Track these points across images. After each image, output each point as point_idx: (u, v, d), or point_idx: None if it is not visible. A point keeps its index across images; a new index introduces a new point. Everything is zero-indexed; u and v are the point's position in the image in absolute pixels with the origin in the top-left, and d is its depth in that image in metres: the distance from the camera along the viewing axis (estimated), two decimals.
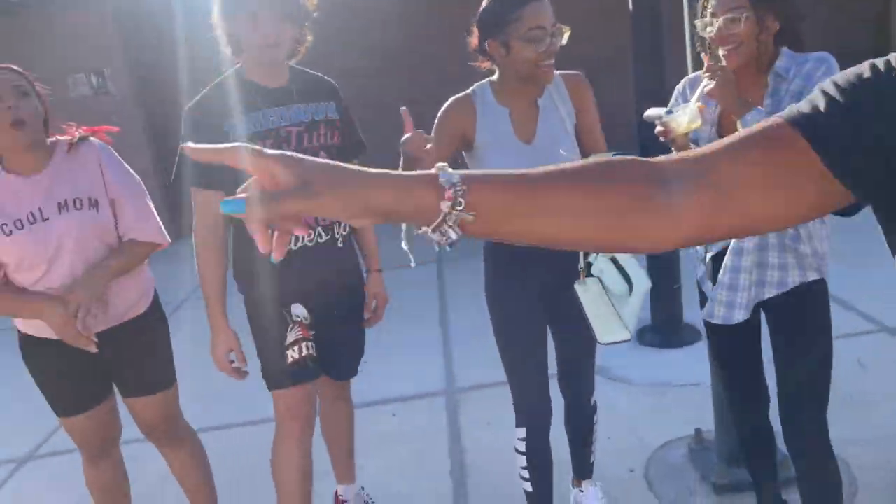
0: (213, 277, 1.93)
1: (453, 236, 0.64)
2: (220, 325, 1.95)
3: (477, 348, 3.74)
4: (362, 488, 2.52)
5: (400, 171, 0.66)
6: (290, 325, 1.99)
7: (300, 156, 0.63)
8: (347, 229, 2.06)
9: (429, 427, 3.06)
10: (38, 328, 1.93)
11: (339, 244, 2.04)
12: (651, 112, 1.87)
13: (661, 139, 1.74)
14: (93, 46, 7.21)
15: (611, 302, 1.77)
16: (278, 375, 2.00)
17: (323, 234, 1.98)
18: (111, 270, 1.90)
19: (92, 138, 1.98)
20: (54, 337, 1.89)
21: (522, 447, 2.06)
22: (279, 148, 1.72)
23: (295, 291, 1.99)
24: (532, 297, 2.01)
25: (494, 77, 1.93)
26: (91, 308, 1.83)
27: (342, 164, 0.65)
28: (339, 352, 2.19)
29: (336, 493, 2.50)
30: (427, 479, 2.67)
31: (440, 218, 0.63)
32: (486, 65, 1.92)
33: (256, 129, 1.83)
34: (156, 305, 2.11)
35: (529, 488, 2.10)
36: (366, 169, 0.65)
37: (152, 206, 2.05)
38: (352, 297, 2.17)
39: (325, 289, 2.03)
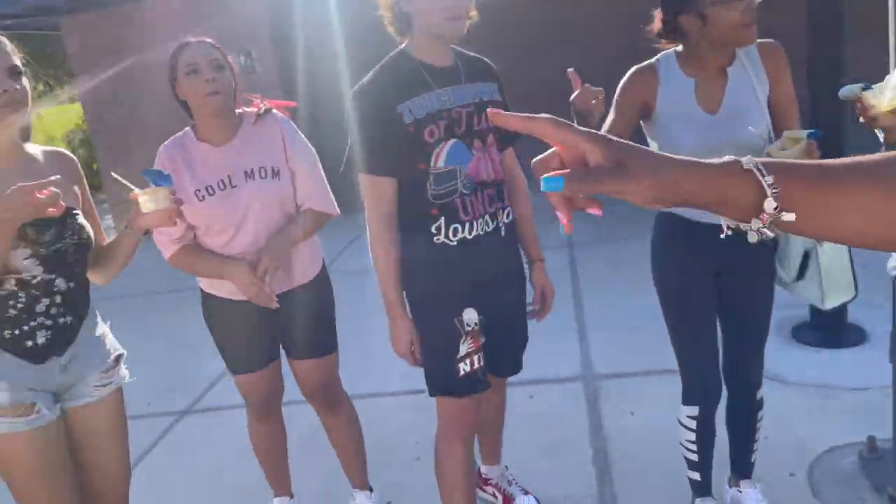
0: (390, 269, 1.85)
1: (770, 234, 0.62)
2: (401, 316, 1.88)
3: (614, 337, 3.66)
4: (506, 467, 2.53)
5: (699, 160, 0.63)
6: (463, 337, 1.87)
7: (608, 135, 0.62)
8: (510, 217, 1.95)
9: (567, 412, 3.01)
10: (220, 289, 2.06)
11: (503, 233, 1.93)
12: (846, 90, 1.72)
13: (861, 119, 1.60)
14: (241, 26, 7.59)
15: (849, 256, 1.77)
16: (446, 383, 1.92)
17: (490, 221, 1.88)
18: (293, 237, 1.99)
19: (275, 111, 2.07)
20: (235, 298, 2.01)
21: (692, 424, 2.03)
22: (451, 130, 1.76)
23: (463, 289, 1.88)
24: (708, 275, 1.94)
25: (679, 47, 1.86)
26: (277, 272, 1.91)
27: (642, 146, 0.64)
28: (505, 348, 2.08)
29: (479, 471, 2.51)
30: (567, 464, 2.64)
31: (764, 216, 0.61)
32: (672, 45, 1.86)
33: (429, 111, 1.76)
34: (324, 271, 2.20)
35: (695, 458, 2.10)
36: (669, 155, 0.63)
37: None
38: (517, 290, 2.06)
39: (493, 282, 1.94)
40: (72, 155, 1.82)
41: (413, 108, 1.77)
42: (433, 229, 1.82)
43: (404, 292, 1.91)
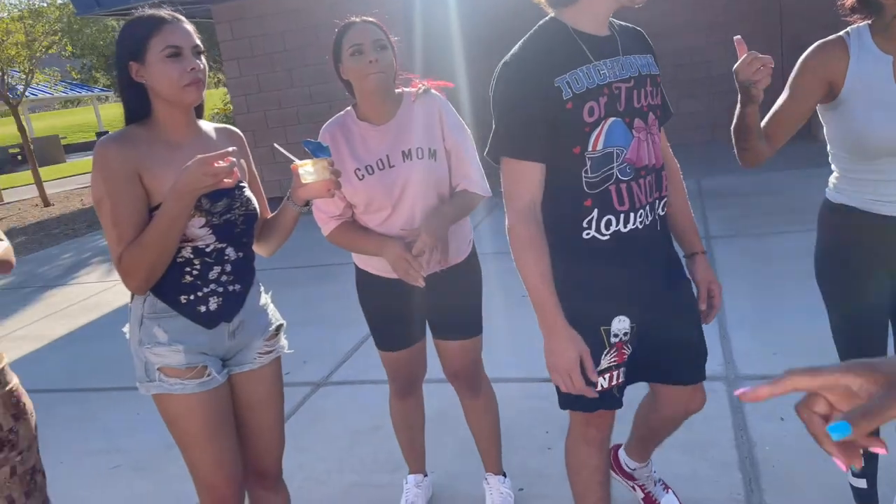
0: (544, 272, 1.59)
1: None
2: (564, 326, 1.59)
3: (759, 337, 3.45)
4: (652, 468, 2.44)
5: None
6: (607, 349, 1.68)
7: (864, 361, 0.60)
8: (665, 208, 1.76)
9: (708, 412, 2.86)
10: (374, 266, 2.11)
11: (659, 226, 1.73)
12: None
13: None
14: (376, 16, 7.75)
15: None
16: (577, 398, 1.71)
17: (648, 213, 1.68)
18: (450, 217, 1.99)
19: (433, 90, 2.07)
20: (388, 275, 2.06)
21: None
22: (611, 108, 1.60)
23: (614, 292, 1.67)
24: (887, 276, 1.77)
25: (872, 21, 1.67)
26: (434, 251, 1.93)
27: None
28: (680, 357, 1.82)
29: (621, 462, 2.44)
30: (711, 467, 2.51)
31: None
32: (863, 20, 1.68)
33: (589, 85, 1.58)
34: (474, 253, 2.21)
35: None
36: None
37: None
38: (684, 290, 1.83)
39: (652, 284, 1.72)
40: (239, 132, 1.91)
41: (571, 83, 1.57)
42: (584, 223, 1.63)
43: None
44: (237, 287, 1.77)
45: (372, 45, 1.93)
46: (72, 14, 14.58)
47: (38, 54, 12.87)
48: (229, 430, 1.77)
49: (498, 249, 4.87)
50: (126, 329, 1.78)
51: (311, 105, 8.41)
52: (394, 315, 2.20)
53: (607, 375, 1.70)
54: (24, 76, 12.93)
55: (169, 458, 3.14)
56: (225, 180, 1.54)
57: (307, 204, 1.79)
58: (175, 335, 1.68)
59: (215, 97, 16.52)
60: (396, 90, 2.06)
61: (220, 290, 1.73)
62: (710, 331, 3.58)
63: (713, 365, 3.24)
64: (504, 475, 2.45)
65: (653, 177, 1.68)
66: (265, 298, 1.90)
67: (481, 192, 2.09)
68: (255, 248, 1.86)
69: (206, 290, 1.71)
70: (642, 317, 1.71)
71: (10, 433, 1.69)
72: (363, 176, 2.01)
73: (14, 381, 1.75)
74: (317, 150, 1.72)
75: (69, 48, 20.21)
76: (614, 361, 1.70)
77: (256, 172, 1.92)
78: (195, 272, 1.69)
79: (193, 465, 1.75)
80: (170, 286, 1.67)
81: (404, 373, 2.30)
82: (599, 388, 1.69)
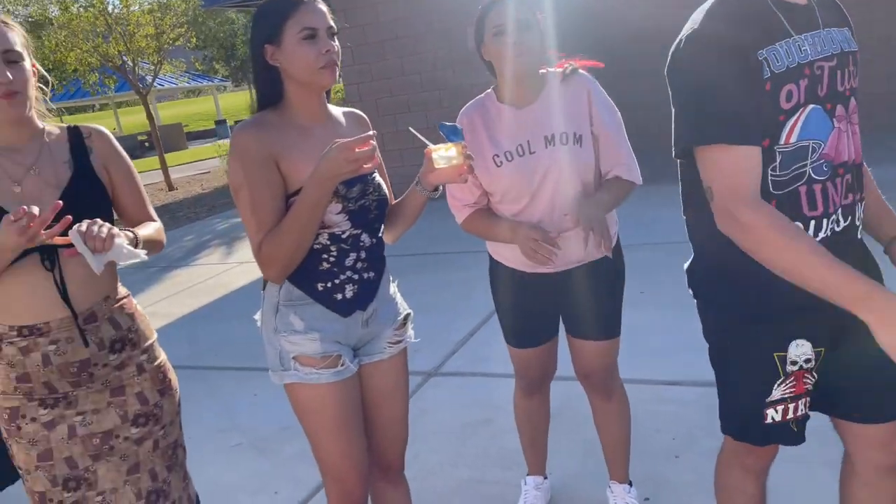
0: (811, 247, 1.26)
1: None
2: (883, 293, 1.20)
3: None
4: None
5: None
6: (781, 378, 1.46)
7: None
8: (863, 213, 1.49)
9: None
10: (509, 257, 2.04)
11: (858, 233, 1.47)
12: None
13: None
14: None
15: None
16: (744, 428, 1.55)
17: (842, 218, 1.42)
18: (605, 205, 1.87)
19: (581, 71, 1.95)
20: (523, 268, 2.00)
21: None
22: (812, 92, 1.32)
23: (794, 312, 1.40)
24: None
25: None
26: (600, 232, 1.78)
27: None
28: (870, 385, 1.47)
29: None
30: None
31: None
32: None
33: (790, 64, 1.34)
34: (619, 248, 2.08)
35: None
36: None
37: None
38: None
39: None
40: (365, 116, 1.86)
41: (771, 60, 1.32)
42: None
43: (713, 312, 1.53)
44: (371, 274, 1.72)
45: (517, 25, 1.83)
46: (197, 7, 15.30)
47: (165, 46, 13.60)
48: (359, 421, 1.73)
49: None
50: (258, 316, 1.78)
51: (423, 93, 8.42)
52: (527, 311, 2.11)
53: (780, 408, 1.48)
54: (152, 67, 13.70)
55: (285, 438, 3.20)
56: (365, 166, 1.49)
57: (436, 189, 1.71)
58: (311, 323, 1.66)
59: None
60: (541, 70, 1.95)
61: (356, 277, 1.69)
62: None
63: None
64: (630, 483, 2.32)
65: (851, 175, 1.43)
66: (393, 287, 1.85)
67: (636, 180, 1.96)
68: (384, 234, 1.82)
69: (342, 277, 1.67)
70: (834, 342, 1.46)
71: (156, 407, 1.74)
72: (502, 163, 1.92)
73: (162, 356, 1.81)
74: (451, 134, 1.64)
75: (193, 40, 21.27)
76: (791, 392, 1.47)
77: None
78: (332, 259, 1.66)
79: (323, 455, 1.72)
80: (306, 273, 1.64)
81: (534, 371, 2.21)
82: (770, 420, 1.49)
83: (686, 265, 1.61)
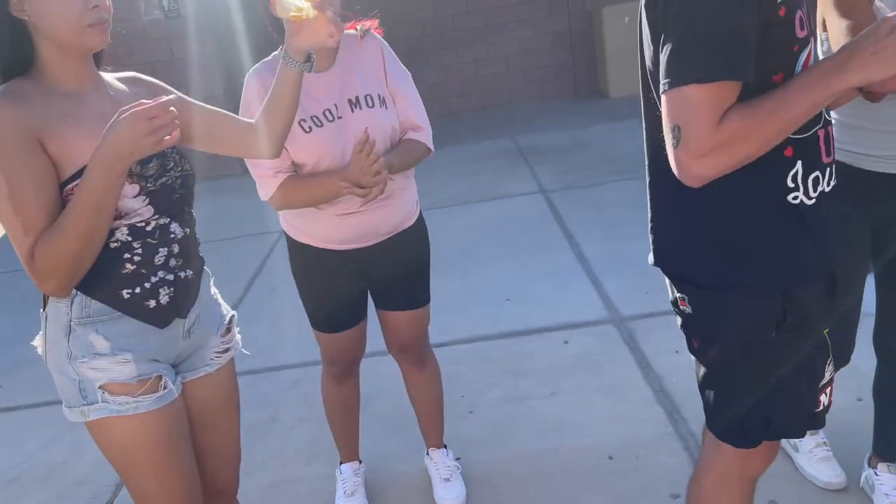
0: (775, 96, 1.07)
1: None
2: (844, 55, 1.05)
3: (626, 279, 3.65)
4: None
5: None
6: (829, 357, 1.31)
7: None
8: None
9: (608, 355, 2.98)
10: (317, 237, 1.87)
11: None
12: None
13: None
14: None
15: None
16: (795, 421, 1.33)
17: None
18: (395, 166, 1.78)
19: (373, 31, 1.84)
20: (332, 247, 1.87)
21: None
22: (811, 21, 1.22)
23: (829, 278, 1.29)
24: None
25: None
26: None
27: None
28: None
29: None
30: (632, 406, 2.61)
31: None
32: None
33: None
34: (421, 217, 2.02)
35: None
36: None
37: None
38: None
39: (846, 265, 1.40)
40: (149, 78, 1.53)
41: None
42: (789, 181, 1.18)
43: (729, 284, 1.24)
44: (189, 272, 1.44)
45: None
46: None
47: None
48: (190, 450, 1.46)
49: None
50: (38, 342, 1.38)
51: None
52: (338, 292, 1.97)
53: (828, 389, 1.33)
54: None
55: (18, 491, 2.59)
56: (165, 139, 1.21)
57: (309, 60, 1.43)
58: (119, 341, 1.33)
59: None
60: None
61: (171, 277, 1.39)
62: (582, 279, 3.74)
63: (596, 310, 3.39)
64: (445, 447, 2.34)
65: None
66: (213, 287, 1.58)
67: (430, 147, 1.91)
68: (252, 147, 1.53)
69: (153, 279, 1.36)
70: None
71: None
72: (310, 128, 1.74)
73: None
74: None
75: None
76: (831, 369, 1.32)
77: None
78: (137, 258, 1.34)
79: (149, 497, 1.42)
80: (106, 280, 1.31)
81: (346, 356, 2.09)
82: (821, 406, 1.33)
83: (654, 257, 1.38)
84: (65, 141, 1.25)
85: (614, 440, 2.42)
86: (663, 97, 1.10)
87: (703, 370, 1.35)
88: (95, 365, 1.31)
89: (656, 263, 1.38)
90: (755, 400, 1.28)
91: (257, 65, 1.82)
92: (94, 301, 1.31)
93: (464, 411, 2.73)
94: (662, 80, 1.09)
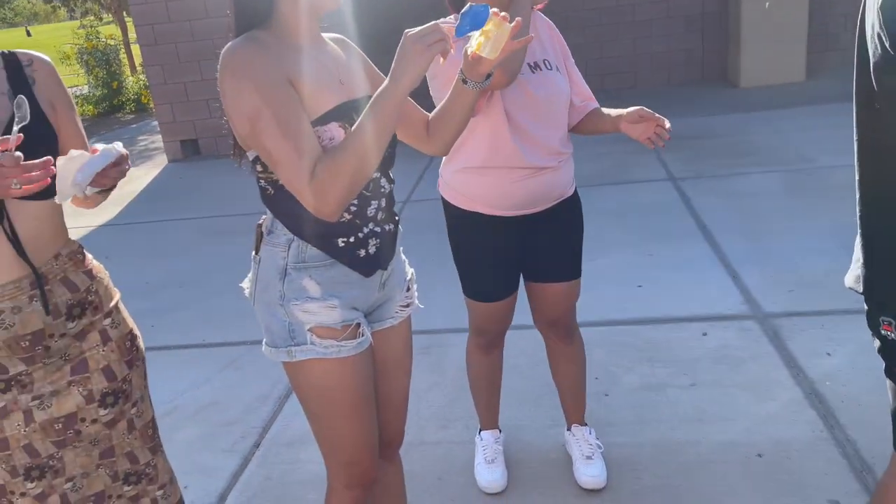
0: None
1: None
2: None
3: (768, 274, 3.49)
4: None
5: None
6: None
7: None
8: None
9: (750, 350, 2.87)
10: (483, 203, 1.90)
11: None
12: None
13: None
14: None
15: None
16: None
17: None
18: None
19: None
20: (497, 213, 1.89)
21: None
22: None
23: None
24: None
25: None
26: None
27: None
28: None
29: None
30: (780, 405, 2.51)
31: None
32: None
33: None
34: (576, 191, 2.02)
35: None
36: None
37: None
38: None
39: None
40: (349, 41, 1.57)
41: None
42: None
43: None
44: (391, 226, 1.49)
45: None
46: None
47: None
48: (373, 397, 1.51)
49: None
50: (246, 284, 1.46)
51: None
52: (496, 262, 2.00)
53: None
54: None
55: (174, 423, 2.78)
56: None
57: (489, 76, 1.41)
58: (329, 287, 1.39)
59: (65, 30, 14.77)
60: None
61: (378, 229, 1.44)
62: (718, 271, 3.61)
63: (736, 304, 3.27)
64: (587, 426, 2.33)
65: None
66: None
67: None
68: (426, 146, 1.56)
69: (365, 230, 1.41)
70: None
71: (125, 382, 1.45)
72: None
73: (129, 320, 1.48)
74: (475, 19, 1.29)
75: None
76: None
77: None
78: (353, 208, 1.39)
79: (336, 438, 1.48)
80: (324, 227, 1.36)
81: (496, 326, 2.11)
82: None
83: (859, 276, 1.29)
84: (311, 87, 1.31)
85: (763, 438, 2.34)
86: None
87: None
88: (307, 308, 1.37)
89: (864, 291, 1.28)
90: None
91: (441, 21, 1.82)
92: (310, 247, 1.37)
93: (599, 393, 2.70)
94: None
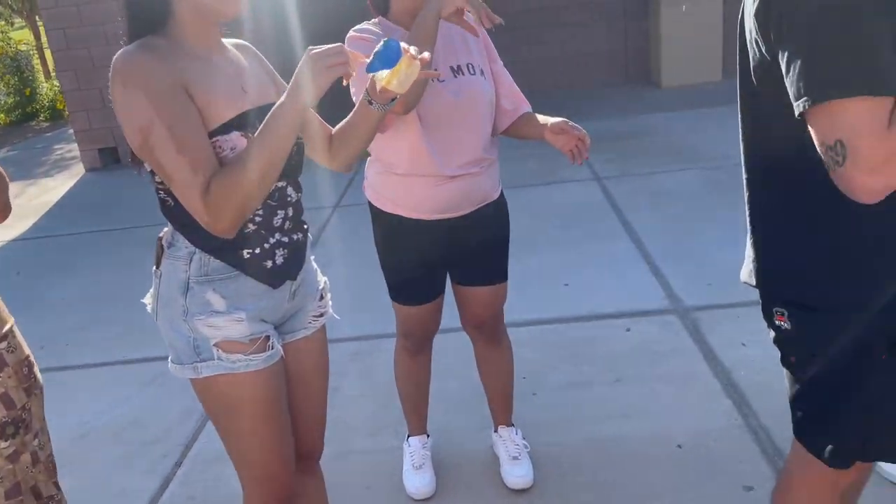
0: None
1: None
2: None
3: (687, 270, 3.60)
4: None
5: None
6: None
7: None
8: None
9: (671, 344, 2.95)
10: (405, 207, 1.88)
11: None
12: None
13: None
14: None
15: None
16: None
17: None
18: None
19: None
20: (425, 217, 1.87)
21: None
22: None
23: None
24: None
25: None
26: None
27: None
28: None
29: None
30: (699, 396, 2.58)
31: None
32: None
33: None
34: (502, 194, 2.03)
35: None
36: None
37: None
38: None
39: None
40: (252, 47, 1.54)
41: None
42: None
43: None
44: (299, 235, 1.46)
45: None
46: None
47: None
48: (287, 410, 1.48)
49: None
50: (148, 300, 1.41)
51: None
52: (421, 265, 1.98)
53: None
54: None
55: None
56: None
57: (394, 99, 1.40)
58: (235, 300, 1.35)
59: None
60: None
61: (286, 239, 1.41)
62: (641, 267, 3.70)
63: (658, 299, 3.35)
64: (514, 426, 2.34)
65: None
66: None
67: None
68: (325, 159, 1.54)
69: (272, 240, 1.38)
70: None
71: (24, 411, 1.36)
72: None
73: (27, 349, 1.40)
74: (386, 58, 1.28)
75: None
76: None
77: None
78: (258, 219, 1.36)
79: (249, 454, 1.44)
80: (229, 239, 1.32)
81: (423, 329, 2.10)
82: None
83: (752, 270, 1.33)
84: (208, 96, 1.27)
85: (683, 430, 2.40)
86: (810, 112, 1.03)
87: (797, 386, 1.31)
88: (212, 322, 1.33)
89: (757, 284, 1.32)
90: (854, 422, 1.24)
91: (357, 30, 1.80)
92: (213, 259, 1.33)
93: (527, 393, 2.72)
94: (803, 96, 1.02)
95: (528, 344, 3.07)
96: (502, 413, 2.31)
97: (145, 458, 2.61)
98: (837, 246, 1.17)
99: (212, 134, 1.26)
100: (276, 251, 1.39)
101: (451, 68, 1.83)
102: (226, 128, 1.27)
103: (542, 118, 1.94)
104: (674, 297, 3.35)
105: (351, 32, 1.79)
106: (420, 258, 1.97)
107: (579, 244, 4.13)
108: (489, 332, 2.16)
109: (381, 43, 1.27)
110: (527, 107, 2.01)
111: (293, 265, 1.43)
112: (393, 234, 1.96)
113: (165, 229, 1.40)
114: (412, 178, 1.86)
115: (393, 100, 1.40)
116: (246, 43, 1.52)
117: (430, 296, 2.03)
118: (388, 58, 1.27)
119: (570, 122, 1.86)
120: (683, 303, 3.28)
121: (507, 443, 2.28)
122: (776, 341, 1.30)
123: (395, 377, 2.25)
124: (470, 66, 1.85)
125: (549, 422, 2.54)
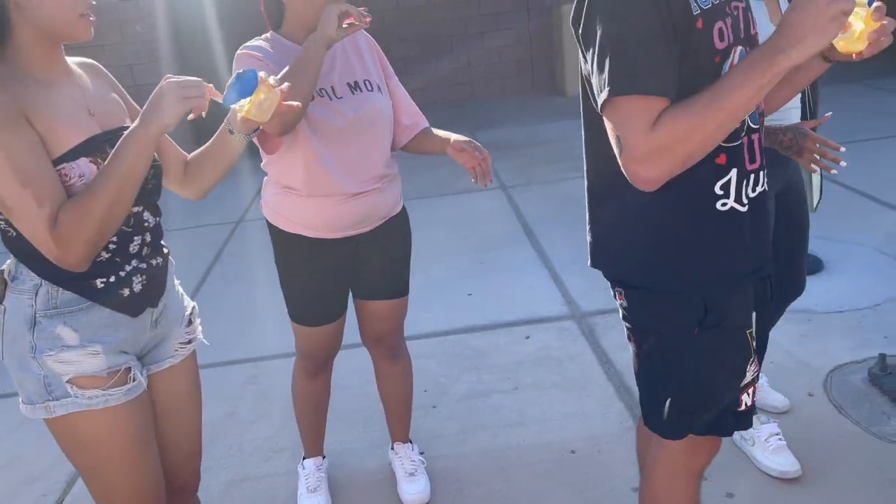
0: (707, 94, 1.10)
1: None
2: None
3: (587, 276, 3.69)
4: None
5: None
6: (752, 357, 1.32)
7: None
8: None
9: (568, 350, 3.02)
10: (305, 226, 1.85)
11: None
12: None
13: None
14: None
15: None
16: (718, 420, 1.34)
17: (762, 172, 1.30)
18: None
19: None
20: (324, 236, 1.84)
21: None
22: (737, 31, 1.20)
23: (752, 283, 1.32)
24: None
25: None
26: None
27: None
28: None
29: None
30: (593, 401, 2.65)
31: None
32: None
33: (715, 1, 1.17)
34: (404, 208, 2.03)
35: None
36: None
37: None
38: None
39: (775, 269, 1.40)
40: (101, 67, 1.48)
41: None
42: (717, 189, 1.23)
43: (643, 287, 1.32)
44: (158, 261, 1.40)
45: None
46: None
47: None
48: (155, 444, 1.42)
49: None
50: None
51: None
52: (323, 285, 1.95)
53: (750, 390, 1.35)
54: None
55: None
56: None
57: (257, 129, 1.38)
58: (88, 333, 1.28)
59: None
60: None
61: (143, 266, 1.36)
62: (542, 274, 3.77)
63: (557, 306, 3.42)
64: (411, 442, 2.33)
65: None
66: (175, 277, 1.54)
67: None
68: (182, 189, 1.51)
69: (128, 267, 1.32)
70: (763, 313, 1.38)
71: None
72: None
73: None
74: (243, 89, 1.28)
75: None
76: (755, 370, 1.35)
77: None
78: (112, 246, 1.30)
79: (114, 493, 1.38)
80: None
81: (324, 350, 2.07)
82: (744, 406, 1.36)
83: (591, 258, 1.45)
84: (51, 123, 1.21)
85: (577, 435, 2.45)
86: (603, 110, 1.16)
87: (637, 363, 1.42)
88: (63, 358, 1.26)
89: (592, 264, 1.44)
90: (678, 394, 1.33)
91: (246, 48, 1.76)
92: (61, 291, 1.26)
93: (427, 406, 2.73)
94: (599, 95, 1.15)
95: (432, 356, 3.07)
96: (399, 429, 2.30)
97: (25, 498, 2.46)
98: (635, 230, 1.31)
99: (57, 161, 1.20)
100: (134, 278, 1.33)
101: (349, 85, 1.82)
102: (72, 154, 1.22)
103: (443, 133, 1.95)
104: (572, 303, 3.43)
105: (240, 50, 1.76)
106: (322, 278, 1.94)
107: (484, 253, 4.18)
108: (389, 347, 2.15)
109: (234, 75, 1.27)
110: (424, 123, 2.02)
111: (153, 292, 1.38)
112: (293, 253, 1.92)
113: (8, 261, 1.32)
114: (313, 199, 1.83)
115: (256, 129, 1.38)
116: (94, 62, 1.46)
117: (333, 316, 2.00)
118: (243, 89, 1.27)
119: (474, 143, 1.88)
120: (581, 308, 3.36)
121: (404, 459, 2.27)
122: (623, 320, 1.40)
123: (293, 398, 2.20)
124: (367, 82, 1.84)
125: (449, 434, 2.55)
